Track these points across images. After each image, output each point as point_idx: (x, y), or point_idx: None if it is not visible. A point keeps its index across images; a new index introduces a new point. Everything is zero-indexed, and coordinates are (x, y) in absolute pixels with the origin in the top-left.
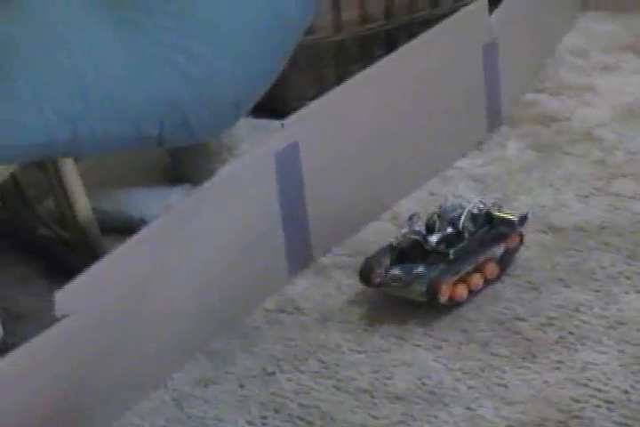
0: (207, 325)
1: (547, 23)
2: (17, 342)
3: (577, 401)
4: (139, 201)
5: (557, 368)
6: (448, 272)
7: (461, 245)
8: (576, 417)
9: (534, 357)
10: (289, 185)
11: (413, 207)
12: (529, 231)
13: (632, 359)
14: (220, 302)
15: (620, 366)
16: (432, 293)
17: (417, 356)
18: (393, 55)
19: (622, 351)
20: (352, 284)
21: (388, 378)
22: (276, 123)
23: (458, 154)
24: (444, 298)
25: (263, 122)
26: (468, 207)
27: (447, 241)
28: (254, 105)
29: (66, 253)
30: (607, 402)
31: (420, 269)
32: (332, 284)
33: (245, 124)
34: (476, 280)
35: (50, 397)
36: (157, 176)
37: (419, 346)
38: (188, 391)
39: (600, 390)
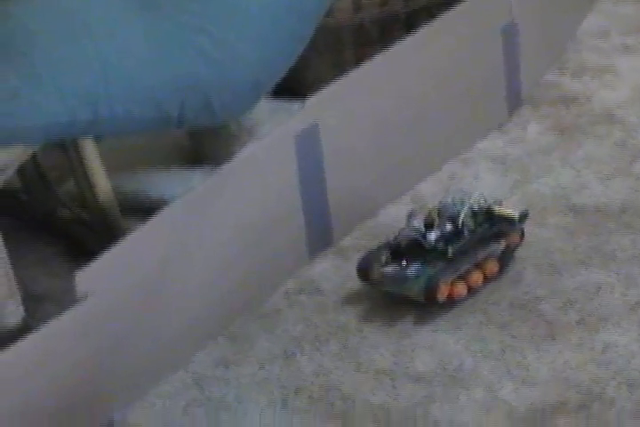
0: (227, 306)
1: (567, 5)
2: (37, 323)
3: (597, 383)
4: (159, 182)
5: (578, 350)
6: (446, 271)
7: (461, 243)
8: (597, 399)
9: (554, 338)
10: (309, 167)
11: (433, 190)
12: (549, 213)
13: None
14: (239, 284)
15: None
16: (430, 292)
17: (437, 338)
18: (412, 37)
19: None
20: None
21: (409, 360)
22: (296, 105)
23: (478, 136)
24: (442, 297)
25: (283, 104)
26: (468, 204)
27: (446, 239)
28: (274, 87)
29: (86, 234)
30: (628, 383)
31: (418, 267)
32: (352, 266)
33: (265, 107)
34: (476, 278)
35: (70, 378)
36: (178, 158)
37: (439, 328)
38: (209, 373)
39: (621, 371)
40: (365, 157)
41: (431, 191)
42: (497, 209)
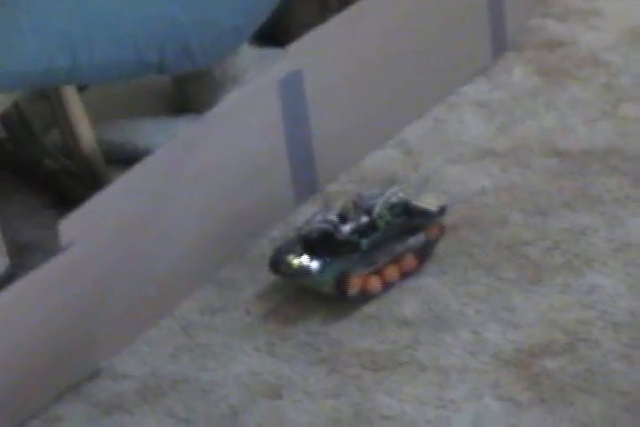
0: (213, 253)
1: None
2: (23, 272)
3: (584, 324)
4: (143, 131)
5: (564, 291)
6: (360, 264)
7: (375, 235)
8: (583, 339)
9: (541, 280)
10: (293, 113)
11: (419, 134)
12: (535, 156)
13: (638, 282)
14: (225, 231)
15: (627, 288)
16: (341, 285)
17: (423, 281)
18: None
19: (629, 274)
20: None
21: (395, 304)
22: (279, 51)
23: (463, 80)
24: (353, 291)
25: (267, 51)
26: (386, 196)
27: (361, 231)
28: (258, 34)
29: (71, 184)
30: (614, 324)
31: (330, 260)
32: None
33: (249, 54)
34: (392, 272)
35: (56, 326)
36: (162, 106)
37: (425, 271)
38: (196, 319)
39: (606, 313)
40: (350, 103)
41: (416, 136)
42: (415, 202)
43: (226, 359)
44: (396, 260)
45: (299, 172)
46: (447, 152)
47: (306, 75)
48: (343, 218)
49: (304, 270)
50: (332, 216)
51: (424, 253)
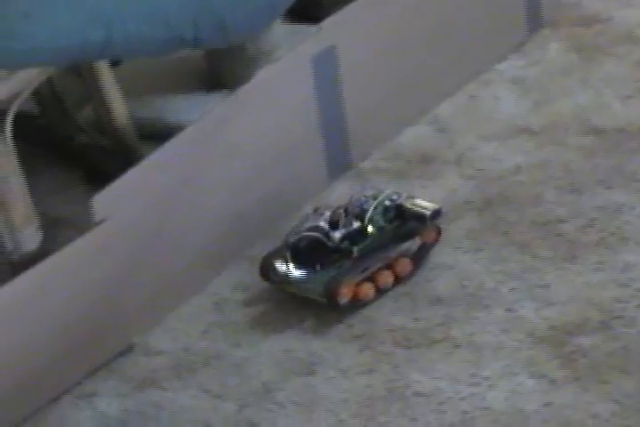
0: (246, 230)
1: None
2: (56, 248)
3: (619, 301)
4: (176, 107)
5: (599, 269)
6: (351, 271)
7: (367, 241)
8: (618, 317)
9: (575, 258)
10: (326, 89)
11: (452, 111)
12: (570, 134)
13: None
14: (258, 208)
15: None
16: (330, 294)
17: (457, 258)
18: None
19: None
20: (391, 187)
21: (429, 280)
22: (312, 27)
23: (497, 57)
24: (344, 299)
25: (300, 27)
26: (378, 200)
27: (352, 237)
28: (291, 10)
29: (104, 159)
30: None
31: (320, 268)
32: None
33: (282, 30)
34: (385, 278)
35: (90, 300)
36: (194, 82)
37: (459, 248)
38: (228, 296)
39: None
40: (384, 79)
41: (450, 112)
42: (409, 205)
43: (258, 336)
44: (389, 265)
45: (332, 148)
46: (481, 129)
47: (339, 51)
48: (333, 224)
49: (291, 279)
50: (322, 223)
51: (420, 258)
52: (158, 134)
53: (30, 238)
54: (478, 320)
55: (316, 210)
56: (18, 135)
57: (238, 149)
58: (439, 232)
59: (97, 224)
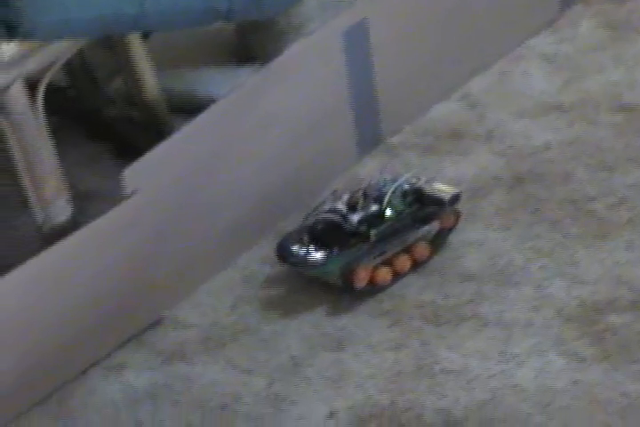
0: (276, 204)
1: None
2: (86, 220)
3: None
4: (207, 80)
5: (629, 248)
6: (368, 255)
7: (385, 225)
8: None
9: (606, 236)
10: (358, 63)
11: (483, 87)
12: (601, 111)
13: None
14: (288, 182)
15: None
16: (346, 278)
17: (487, 235)
18: None
19: None
20: (420, 163)
21: (458, 257)
22: (344, 1)
23: (529, 33)
24: (360, 284)
25: (332, 1)
26: (397, 184)
27: (370, 221)
28: None
29: (133, 132)
30: None
31: (338, 251)
32: (401, 164)
33: (314, 3)
34: (403, 262)
35: (120, 273)
36: (225, 56)
37: (489, 225)
38: (258, 270)
39: None
40: (415, 54)
41: (481, 89)
42: (428, 190)
43: (287, 311)
44: (407, 249)
45: (362, 123)
46: (512, 106)
47: (371, 25)
48: (352, 207)
49: (308, 261)
50: (341, 206)
51: (438, 242)
52: (188, 107)
53: (61, 211)
54: (508, 298)
55: (334, 193)
56: (48, 107)
57: (268, 123)
58: (458, 216)
59: (127, 197)
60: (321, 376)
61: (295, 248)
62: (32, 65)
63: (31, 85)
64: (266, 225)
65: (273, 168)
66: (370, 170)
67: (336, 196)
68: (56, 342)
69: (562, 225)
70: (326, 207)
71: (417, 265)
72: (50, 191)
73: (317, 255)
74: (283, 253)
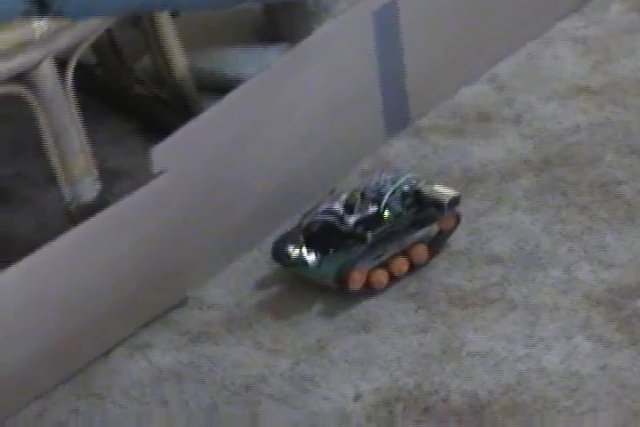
0: (303, 186)
1: None
2: (113, 199)
3: None
4: (235, 60)
5: None
6: (364, 257)
7: (383, 227)
8: None
9: (634, 220)
10: (387, 44)
11: (512, 70)
12: (630, 95)
13: None
14: (315, 163)
15: None
16: (341, 280)
17: (515, 218)
18: None
19: None
20: (448, 146)
21: (485, 240)
22: None
23: (558, 16)
24: (355, 286)
25: None
26: (396, 185)
27: (367, 223)
28: None
29: (161, 111)
30: None
31: (333, 253)
32: (429, 146)
33: None
34: (400, 265)
35: (146, 253)
36: (253, 36)
37: (517, 209)
38: None
39: None
40: (444, 36)
41: (509, 71)
42: (427, 192)
43: (313, 293)
44: (405, 252)
45: (390, 105)
46: (541, 89)
47: (401, 6)
48: (349, 208)
49: (302, 263)
50: (338, 207)
51: (437, 245)
52: (216, 87)
53: (89, 189)
54: (535, 281)
55: (331, 192)
56: (76, 86)
57: (296, 104)
58: (458, 219)
59: (155, 177)
60: (346, 358)
61: (290, 249)
62: (62, 43)
63: (61, 63)
64: (292, 206)
65: (300, 149)
66: (397, 152)
67: (334, 195)
68: (81, 321)
69: (590, 209)
70: (323, 208)
71: (414, 268)
72: (78, 170)
73: (311, 257)
74: (277, 253)
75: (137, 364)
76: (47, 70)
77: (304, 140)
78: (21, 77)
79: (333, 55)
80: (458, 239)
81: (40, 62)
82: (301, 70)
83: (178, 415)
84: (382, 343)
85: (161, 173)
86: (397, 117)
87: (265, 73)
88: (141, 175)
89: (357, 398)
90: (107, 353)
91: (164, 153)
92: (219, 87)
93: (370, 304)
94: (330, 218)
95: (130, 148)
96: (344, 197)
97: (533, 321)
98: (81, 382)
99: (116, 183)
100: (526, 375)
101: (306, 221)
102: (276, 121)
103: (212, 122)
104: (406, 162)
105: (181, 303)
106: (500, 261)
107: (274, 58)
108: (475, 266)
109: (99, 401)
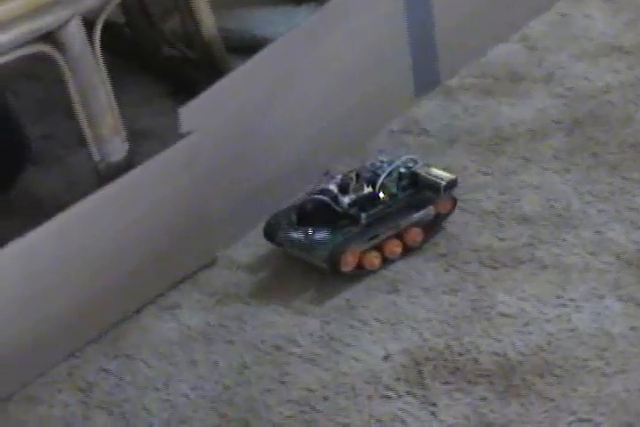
0: (331, 146)
1: None
2: (142, 159)
3: None
4: (264, 20)
5: None
6: (357, 239)
7: (378, 208)
8: None
9: None
10: (417, 3)
11: (542, 29)
12: None
13: None
14: (344, 123)
15: None
16: (332, 261)
17: (545, 178)
18: None
19: None
20: (479, 105)
21: (516, 200)
22: None
23: None
24: (347, 268)
25: None
26: (393, 166)
27: (362, 204)
28: None
29: (190, 71)
30: None
31: (326, 233)
32: (459, 105)
33: None
34: (393, 247)
35: (174, 212)
36: None
37: (547, 168)
38: None
39: None
40: None
41: (541, 30)
42: (424, 174)
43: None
44: (399, 235)
45: (420, 64)
46: (572, 48)
47: None
48: (344, 189)
49: (294, 242)
50: (332, 186)
51: (432, 228)
52: (244, 47)
53: (117, 149)
54: (565, 241)
55: (326, 173)
56: (104, 46)
57: (325, 64)
58: (455, 203)
59: (183, 137)
60: (376, 319)
61: (281, 228)
62: (90, 2)
63: (89, 23)
64: (320, 166)
65: (329, 109)
66: (426, 112)
67: (328, 176)
68: (110, 280)
69: (621, 169)
70: (317, 188)
71: (408, 251)
72: (106, 129)
73: (303, 237)
74: (269, 232)
75: (166, 324)
76: (75, 29)
77: (332, 100)
78: (49, 37)
79: (362, 14)
80: (488, 199)
81: (68, 21)
82: (330, 29)
83: (207, 375)
84: (412, 304)
85: (189, 133)
86: (427, 77)
87: (293, 32)
88: (170, 136)
89: (387, 358)
90: (136, 313)
91: (192, 113)
92: (247, 47)
93: (399, 264)
94: (324, 198)
95: (158, 108)
96: (339, 177)
97: (564, 282)
98: (110, 342)
99: (144, 144)
100: (556, 336)
101: (298, 201)
102: (305, 80)
103: (241, 82)
104: (436, 122)
105: (210, 263)
106: (530, 221)
107: (303, 17)
108: (505, 226)
109: (128, 361)
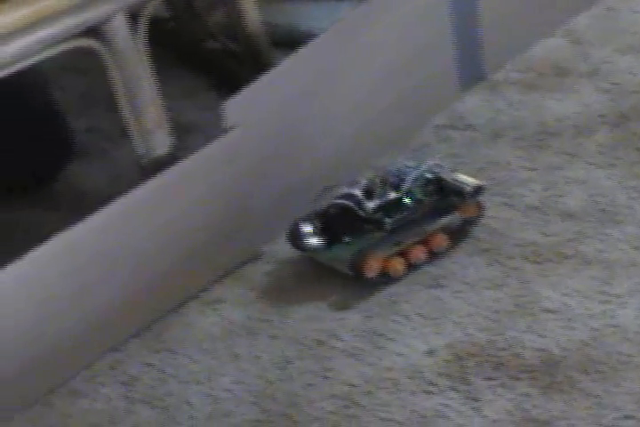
0: (375, 140)
1: None
2: (185, 153)
3: None
4: (308, 14)
5: None
6: (382, 244)
7: (403, 214)
8: None
9: None
10: None
11: (588, 23)
12: None
13: None
14: (387, 118)
15: None
16: (355, 267)
17: (590, 173)
18: None
19: None
20: (524, 100)
21: (560, 195)
22: None
23: None
24: (371, 274)
25: None
26: (419, 171)
27: (387, 209)
28: None
29: (234, 65)
30: None
31: (350, 239)
32: (504, 100)
33: None
34: (418, 253)
35: (218, 207)
36: None
37: (592, 164)
38: None
39: None
40: None
41: (586, 25)
42: (450, 180)
43: None
44: (424, 240)
45: (464, 58)
46: (618, 42)
47: None
48: (368, 193)
49: (316, 248)
50: (356, 191)
51: (459, 233)
52: (287, 41)
53: (161, 143)
54: (610, 237)
55: (326, 188)
56: (149, 39)
57: (369, 58)
58: (481, 208)
59: (227, 131)
60: (418, 314)
61: (305, 234)
62: None
63: (133, 17)
64: (362, 161)
65: (373, 103)
66: (470, 106)
67: (352, 181)
68: (153, 274)
69: None
70: (342, 192)
71: (433, 257)
72: (150, 122)
73: (328, 242)
74: (292, 238)
75: (209, 318)
76: (119, 24)
77: (376, 95)
78: (93, 31)
79: (406, 8)
80: (532, 194)
81: (112, 16)
82: (374, 23)
83: (250, 370)
84: (455, 298)
85: (233, 127)
86: (471, 71)
87: (336, 27)
88: (213, 130)
89: (430, 353)
90: (179, 308)
91: (235, 107)
92: (292, 42)
93: (442, 259)
94: (347, 202)
95: (202, 102)
96: (364, 181)
97: (608, 277)
98: (153, 336)
99: (187, 138)
100: (600, 332)
101: (322, 205)
102: (349, 75)
103: (285, 76)
104: (481, 116)
105: (253, 258)
106: (574, 216)
107: (345, 11)
108: (549, 221)
109: (171, 355)
